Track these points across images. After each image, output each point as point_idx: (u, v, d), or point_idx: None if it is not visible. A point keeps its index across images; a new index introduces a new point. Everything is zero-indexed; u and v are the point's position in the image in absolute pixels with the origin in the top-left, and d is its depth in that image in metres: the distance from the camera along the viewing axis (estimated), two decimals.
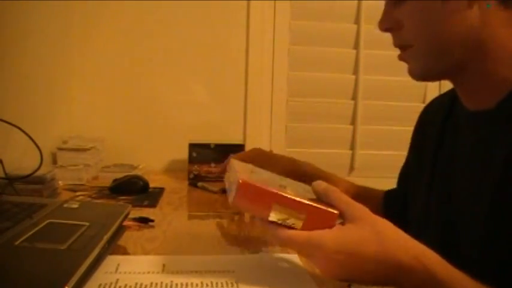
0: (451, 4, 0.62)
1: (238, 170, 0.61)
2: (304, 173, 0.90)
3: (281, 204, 0.56)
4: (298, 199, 0.56)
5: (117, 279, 0.58)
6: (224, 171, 0.72)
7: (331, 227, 0.56)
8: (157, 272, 0.62)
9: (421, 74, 0.70)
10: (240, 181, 0.56)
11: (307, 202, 0.56)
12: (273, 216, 0.56)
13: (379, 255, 0.53)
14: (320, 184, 0.60)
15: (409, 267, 0.53)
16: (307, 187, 0.65)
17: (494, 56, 0.63)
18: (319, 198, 0.59)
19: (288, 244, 0.57)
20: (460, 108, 0.72)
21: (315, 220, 0.56)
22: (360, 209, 0.56)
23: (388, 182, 0.94)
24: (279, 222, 0.56)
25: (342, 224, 0.56)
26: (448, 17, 0.62)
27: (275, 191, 0.56)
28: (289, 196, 0.56)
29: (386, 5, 0.70)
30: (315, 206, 0.56)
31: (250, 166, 0.73)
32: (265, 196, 0.56)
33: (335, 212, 0.56)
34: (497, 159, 0.61)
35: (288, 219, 0.56)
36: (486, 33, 0.62)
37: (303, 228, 0.56)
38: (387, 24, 0.69)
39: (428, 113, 0.86)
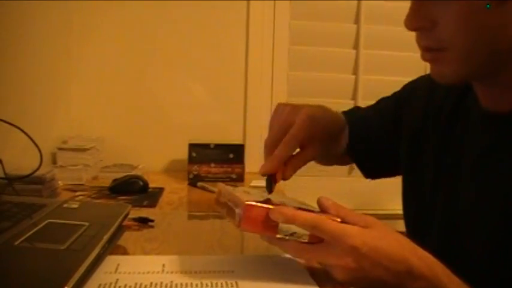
0: (504, 8, 0.56)
1: (237, 194, 0.63)
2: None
3: None
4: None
5: (117, 279, 0.58)
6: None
7: None
8: (157, 272, 0.61)
9: (452, 79, 0.64)
10: (246, 203, 0.58)
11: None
12: (280, 232, 0.58)
13: (397, 256, 0.55)
14: (328, 199, 0.62)
15: (419, 274, 0.55)
16: (305, 203, 0.67)
17: None
18: (324, 211, 0.61)
19: (316, 230, 0.57)
20: (473, 106, 0.69)
21: None
22: (373, 219, 0.59)
23: (388, 182, 0.94)
24: (287, 238, 0.58)
25: None
26: (498, 22, 0.57)
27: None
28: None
29: (417, 0, 0.62)
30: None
31: (240, 188, 0.74)
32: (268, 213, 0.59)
33: (339, 220, 0.58)
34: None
35: (294, 233, 0.58)
36: None
37: (310, 241, 0.58)
38: (419, 22, 0.61)
39: (418, 91, 0.83)
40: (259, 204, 0.59)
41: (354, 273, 0.55)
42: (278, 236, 0.58)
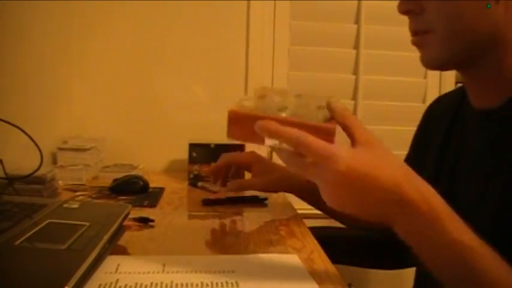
0: (483, 2, 0.61)
1: (248, 102, 0.59)
2: (295, 185, 1.01)
3: None
4: (288, 119, 0.54)
5: (117, 279, 0.58)
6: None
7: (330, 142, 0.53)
8: (157, 272, 0.62)
9: (435, 62, 0.68)
10: (230, 110, 0.56)
11: (298, 120, 0.54)
12: (268, 141, 0.54)
13: (388, 186, 0.51)
14: (337, 102, 0.58)
15: (414, 207, 0.51)
16: (322, 105, 0.60)
17: (510, 53, 0.64)
18: (333, 117, 0.57)
19: (300, 148, 0.53)
20: (468, 107, 0.72)
21: None
22: (374, 136, 0.55)
23: None
24: (276, 146, 0.54)
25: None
26: (477, 8, 0.62)
27: (262, 114, 0.55)
28: (279, 118, 0.54)
29: None
30: (307, 123, 0.53)
31: (266, 90, 0.65)
32: (255, 121, 0.54)
33: (332, 126, 0.54)
34: (506, 159, 0.61)
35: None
36: (507, 30, 0.63)
37: None
38: (408, 6, 0.67)
39: (434, 111, 0.86)
40: (245, 112, 0.55)
41: (343, 199, 0.52)
42: (266, 143, 0.54)
